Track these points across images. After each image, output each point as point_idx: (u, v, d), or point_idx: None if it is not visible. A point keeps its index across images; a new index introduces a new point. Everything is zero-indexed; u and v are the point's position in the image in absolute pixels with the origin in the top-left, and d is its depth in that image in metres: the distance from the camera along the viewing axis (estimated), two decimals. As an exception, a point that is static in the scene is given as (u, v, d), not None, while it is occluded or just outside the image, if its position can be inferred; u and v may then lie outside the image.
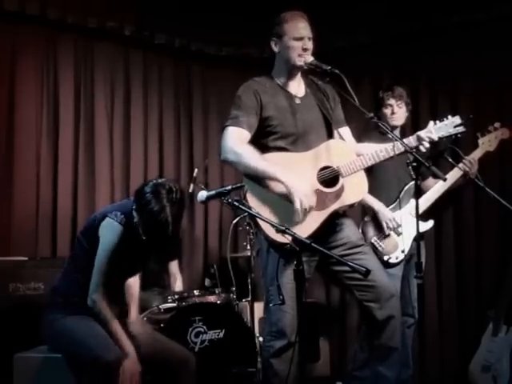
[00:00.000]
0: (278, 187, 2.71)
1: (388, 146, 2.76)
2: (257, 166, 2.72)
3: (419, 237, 2.63)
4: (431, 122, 2.83)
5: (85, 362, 2.51)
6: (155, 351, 2.74)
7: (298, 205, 2.62)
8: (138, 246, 2.70)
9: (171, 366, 2.74)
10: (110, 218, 2.60)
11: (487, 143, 3.58)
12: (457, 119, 2.85)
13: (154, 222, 2.56)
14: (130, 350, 2.60)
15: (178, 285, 4.54)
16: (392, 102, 3.75)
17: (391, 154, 2.76)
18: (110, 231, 2.59)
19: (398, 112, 3.75)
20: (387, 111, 3.75)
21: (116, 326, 2.60)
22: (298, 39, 2.81)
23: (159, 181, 2.64)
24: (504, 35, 4.29)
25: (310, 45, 2.83)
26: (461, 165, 3.45)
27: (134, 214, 2.63)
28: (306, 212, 2.65)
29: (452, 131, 2.84)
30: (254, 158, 2.73)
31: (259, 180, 2.75)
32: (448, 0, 4.42)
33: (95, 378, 2.47)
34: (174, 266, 4.56)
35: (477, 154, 3.56)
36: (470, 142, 3.72)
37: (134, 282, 2.89)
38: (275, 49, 2.91)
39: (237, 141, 2.77)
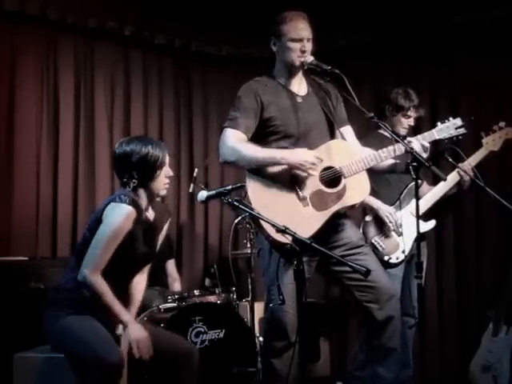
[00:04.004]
0: (281, 167, 2.73)
1: (390, 147, 2.76)
2: (258, 155, 2.74)
3: (420, 237, 2.64)
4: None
5: (87, 363, 2.50)
6: (158, 344, 2.73)
7: (301, 166, 2.68)
8: (144, 231, 2.71)
9: (175, 361, 2.73)
10: (114, 202, 2.60)
11: (491, 143, 3.56)
12: (458, 121, 2.87)
13: (146, 155, 2.66)
14: (129, 319, 2.59)
15: (176, 285, 4.54)
16: (414, 114, 3.70)
17: (393, 155, 2.76)
18: (115, 212, 2.58)
19: (411, 125, 3.73)
20: (405, 121, 3.70)
21: (112, 299, 2.57)
22: (297, 40, 2.81)
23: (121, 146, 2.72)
24: (504, 36, 4.29)
25: (308, 46, 2.83)
26: (457, 169, 3.44)
27: (134, 173, 2.66)
28: (316, 163, 2.69)
29: (453, 133, 2.86)
30: (253, 149, 2.75)
31: (263, 172, 2.75)
32: (448, 1, 4.42)
33: (98, 379, 2.46)
34: (170, 265, 4.57)
35: (480, 155, 3.54)
36: (471, 142, 3.72)
37: (140, 282, 2.88)
38: (274, 48, 2.91)
39: (234, 140, 2.79)
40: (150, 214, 2.78)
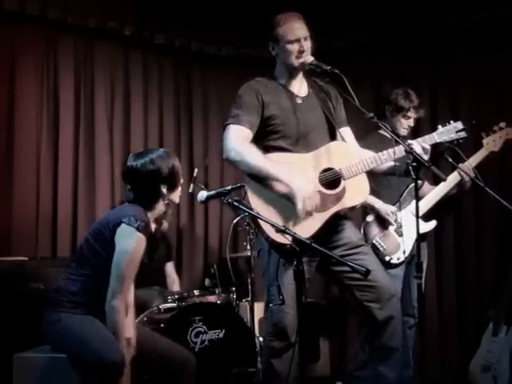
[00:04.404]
0: (280, 187, 2.71)
1: (390, 150, 2.75)
2: (260, 166, 2.72)
3: (420, 237, 2.63)
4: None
5: (89, 362, 2.50)
6: (154, 351, 2.73)
7: (300, 206, 2.63)
8: (149, 246, 2.71)
9: (171, 367, 2.73)
10: (126, 224, 2.57)
11: (492, 143, 3.55)
12: (459, 124, 2.87)
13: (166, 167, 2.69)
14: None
15: (175, 287, 4.53)
16: (414, 115, 3.69)
17: (393, 157, 2.76)
18: (129, 239, 2.56)
19: (411, 125, 3.73)
20: (405, 121, 3.69)
21: (123, 330, 2.58)
22: (294, 41, 2.81)
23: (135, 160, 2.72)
24: (503, 35, 4.29)
25: (306, 45, 2.83)
26: (458, 170, 3.44)
27: (163, 188, 2.67)
28: (308, 213, 2.66)
29: (454, 136, 2.86)
30: (256, 158, 2.73)
31: (262, 179, 2.74)
32: (447, 1, 4.42)
33: (99, 379, 2.46)
34: (169, 268, 4.57)
35: (480, 155, 3.54)
36: (471, 143, 3.72)
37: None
38: (273, 53, 2.91)
39: (239, 139, 2.77)
40: (153, 226, 2.78)
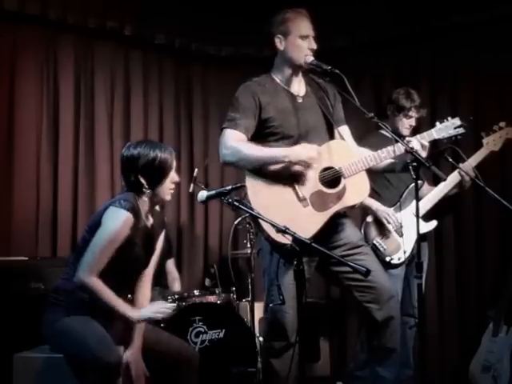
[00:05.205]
0: (281, 172, 2.73)
1: (390, 147, 2.76)
2: (258, 154, 2.74)
3: (421, 237, 2.63)
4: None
5: (86, 363, 2.49)
6: (158, 346, 2.73)
7: (306, 155, 2.70)
8: (142, 236, 2.70)
9: (174, 362, 2.73)
10: (113, 206, 2.59)
11: (492, 143, 3.55)
12: (457, 121, 2.87)
13: (154, 160, 2.64)
14: (129, 311, 2.57)
15: (176, 285, 4.54)
16: (415, 115, 3.70)
17: (392, 155, 2.76)
18: (113, 217, 2.57)
19: (413, 125, 3.73)
20: (406, 121, 3.70)
21: (110, 294, 2.55)
22: (305, 38, 2.82)
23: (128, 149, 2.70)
24: (504, 35, 4.29)
25: (314, 44, 2.84)
26: (458, 170, 3.44)
27: (140, 178, 2.63)
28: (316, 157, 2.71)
29: (452, 132, 2.86)
30: (253, 149, 2.76)
31: (262, 172, 2.75)
32: (448, 0, 4.42)
33: (96, 379, 2.46)
34: (170, 265, 4.57)
35: (481, 155, 3.54)
36: (472, 142, 3.72)
37: (144, 285, 2.87)
38: (280, 46, 2.89)
39: (234, 142, 2.78)
40: (149, 221, 2.77)
